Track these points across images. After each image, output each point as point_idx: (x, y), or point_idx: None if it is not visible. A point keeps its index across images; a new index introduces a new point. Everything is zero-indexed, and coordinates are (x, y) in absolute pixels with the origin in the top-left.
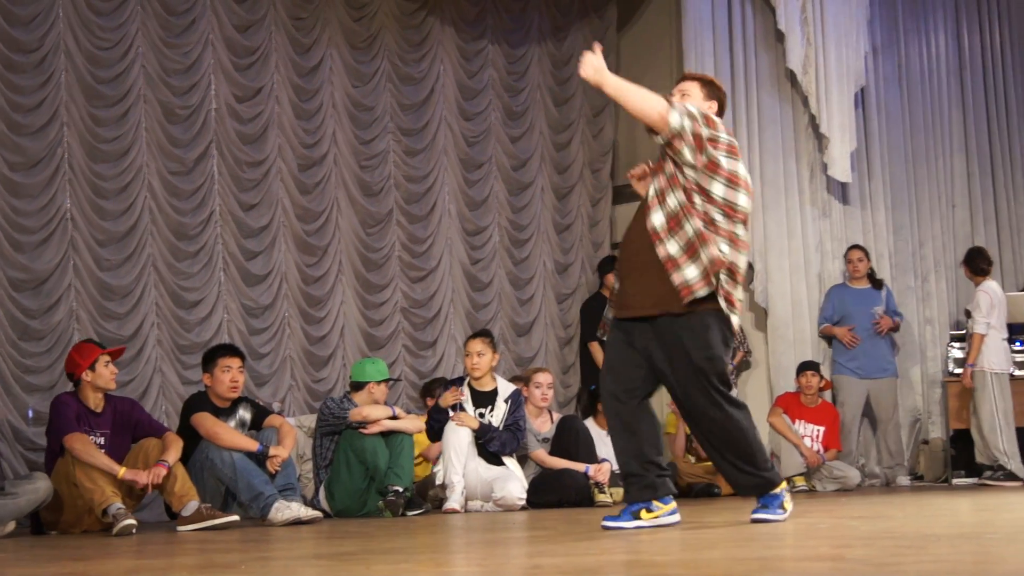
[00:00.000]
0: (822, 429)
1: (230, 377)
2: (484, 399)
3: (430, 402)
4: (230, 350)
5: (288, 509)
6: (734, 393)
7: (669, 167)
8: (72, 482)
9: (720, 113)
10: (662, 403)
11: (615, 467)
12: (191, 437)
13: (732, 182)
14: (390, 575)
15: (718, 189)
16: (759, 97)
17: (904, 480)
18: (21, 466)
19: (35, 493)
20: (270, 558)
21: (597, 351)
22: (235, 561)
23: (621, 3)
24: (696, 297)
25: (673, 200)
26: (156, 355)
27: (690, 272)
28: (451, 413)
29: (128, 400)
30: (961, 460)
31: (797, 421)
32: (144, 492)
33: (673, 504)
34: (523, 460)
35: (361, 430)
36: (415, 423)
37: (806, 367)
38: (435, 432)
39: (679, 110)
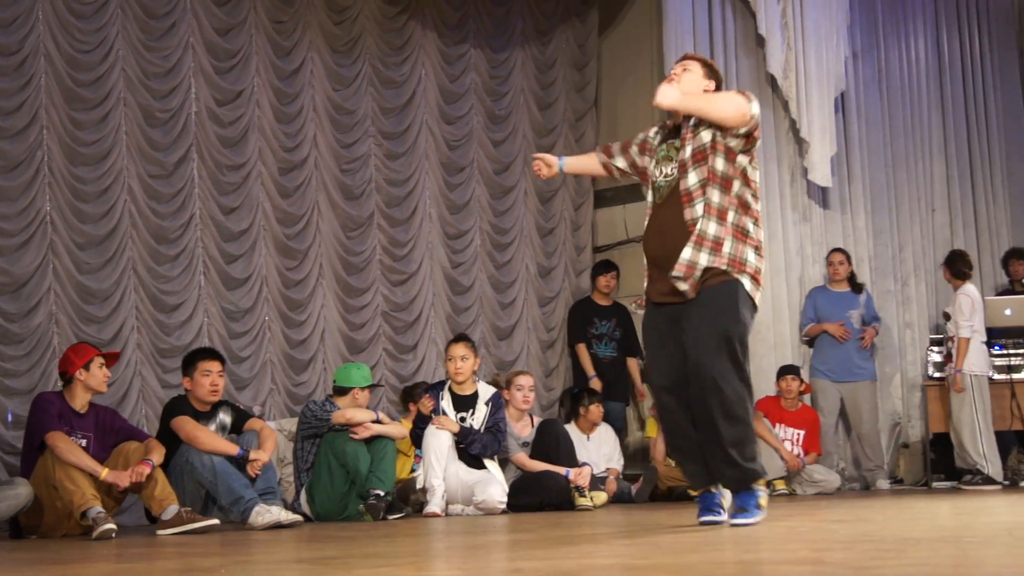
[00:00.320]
0: (802, 433)
1: (210, 381)
2: (465, 403)
3: (413, 407)
4: (210, 354)
5: (268, 513)
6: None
7: (713, 160)
8: (52, 484)
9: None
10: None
11: (595, 471)
12: (171, 441)
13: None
14: None
15: (751, 173)
16: None
17: (884, 484)
18: (0, 470)
19: (16, 499)
20: (250, 562)
21: (583, 353)
22: (215, 565)
23: (603, 7)
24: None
25: (715, 194)
26: (136, 359)
27: (699, 256)
28: (434, 416)
29: (110, 410)
30: (940, 464)
31: (777, 425)
32: (124, 495)
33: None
34: (504, 463)
35: (351, 434)
36: (399, 428)
37: (786, 371)
38: (421, 439)
39: (753, 99)
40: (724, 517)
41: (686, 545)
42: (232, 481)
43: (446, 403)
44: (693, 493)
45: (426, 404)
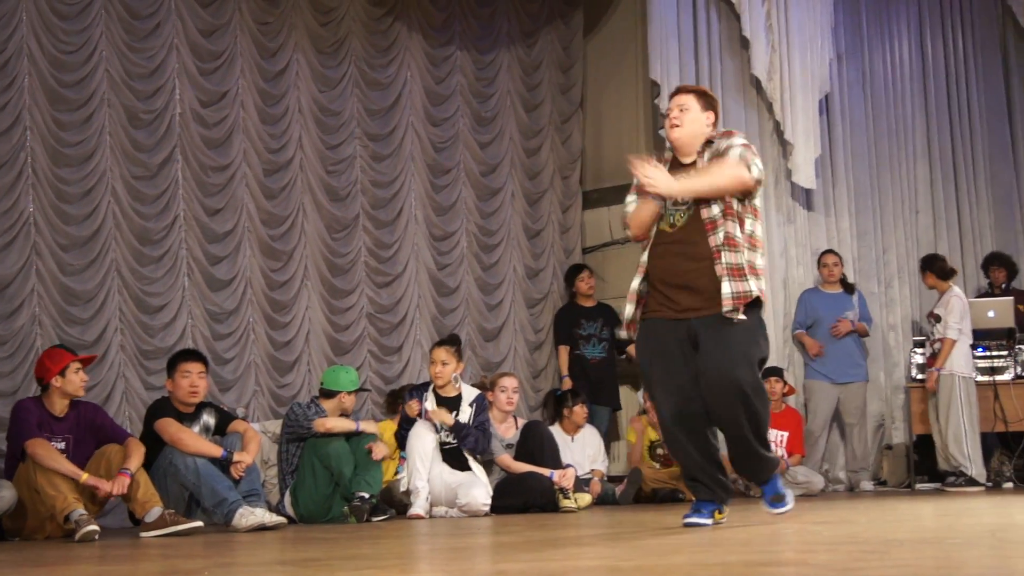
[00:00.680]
0: (786, 435)
1: (189, 383)
2: (449, 404)
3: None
4: (190, 355)
5: (252, 515)
6: None
7: (730, 197)
8: (34, 488)
9: (715, 122)
10: (625, 416)
11: (579, 472)
12: (154, 443)
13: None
14: None
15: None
16: (724, 103)
17: (867, 485)
18: None
19: (0, 502)
20: (234, 564)
21: (562, 354)
22: (199, 567)
23: (587, 9)
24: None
25: (734, 227)
26: (119, 360)
27: (745, 286)
28: (427, 410)
29: (92, 405)
30: (924, 465)
31: None
32: (107, 498)
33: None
34: (488, 465)
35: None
36: (377, 426)
37: (769, 373)
38: (403, 433)
39: (755, 164)
40: (711, 523)
41: (670, 547)
42: (216, 483)
43: (430, 404)
44: (691, 498)
45: (412, 407)
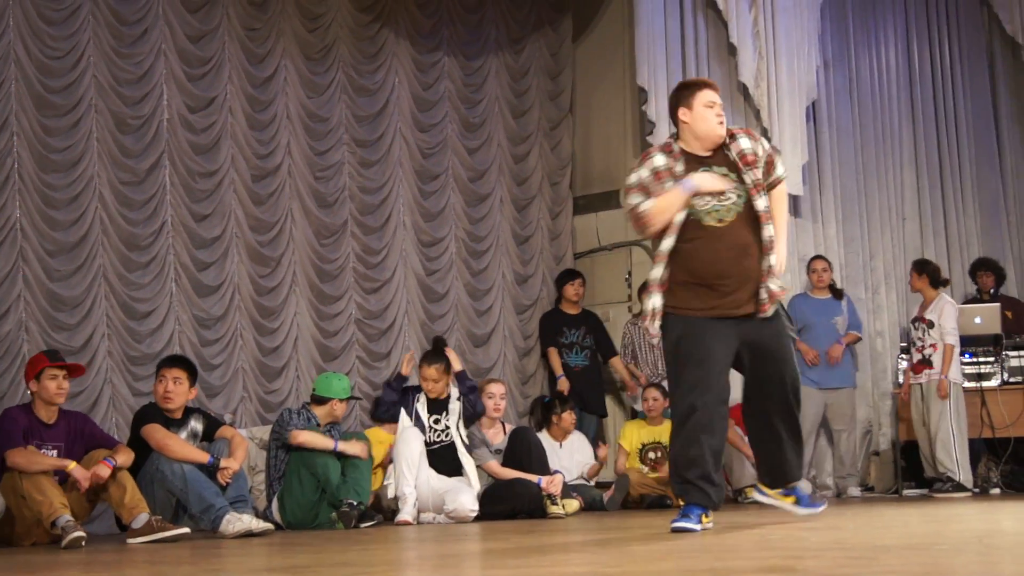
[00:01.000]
0: None
1: (163, 388)
2: (439, 406)
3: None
4: (168, 361)
5: (239, 521)
6: None
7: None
8: (20, 494)
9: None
10: (615, 424)
11: (567, 479)
12: (141, 449)
13: None
14: None
15: None
16: None
17: (855, 491)
18: None
19: None
20: (221, 571)
21: (554, 355)
22: (185, 574)
23: (576, 15)
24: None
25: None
26: (107, 366)
27: (777, 284)
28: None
29: (81, 415)
30: (911, 471)
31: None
32: (94, 503)
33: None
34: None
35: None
36: (361, 447)
37: None
38: (384, 411)
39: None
40: (699, 528)
41: (658, 553)
42: (203, 489)
43: (421, 405)
44: (680, 503)
45: (407, 363)
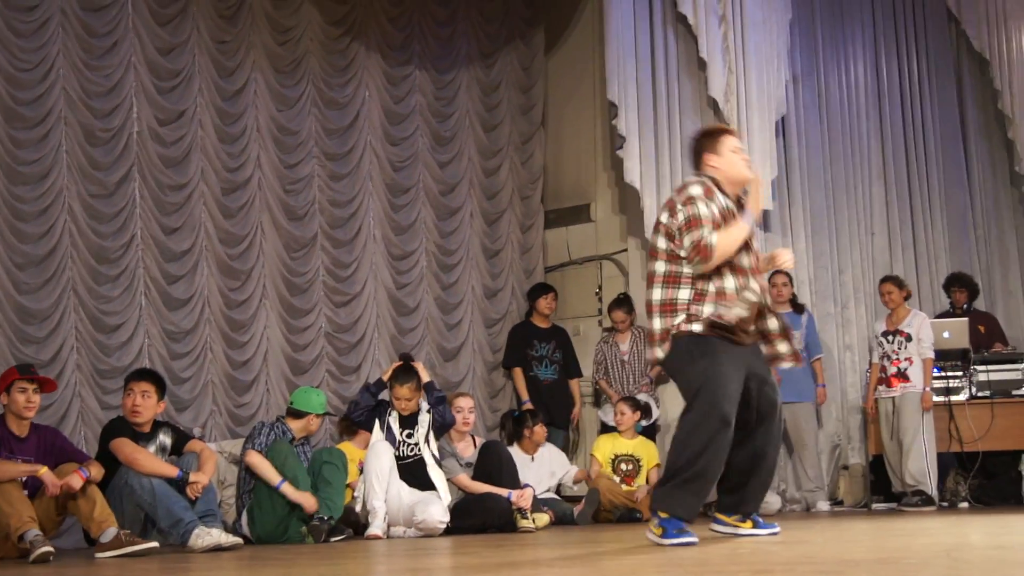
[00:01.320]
0: None
1: (131, 401)
2: (409, 421)
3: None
4: (137, 374)
5: (208, 535)
6: None
7: None
8: None
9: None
10: (585, 437)
11: (538, 492)
12: (110, 463)
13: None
14: None
15: None
16: (682, 124)
17: (824, 505)
18: None
19: None
20: None
21: (519, 377)
22: None
23: (548, 29)
24: None
25: None
26: (75, 380)
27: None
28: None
29: (52, 429)
30: (880, 485)
31: None
32: (63, 517)
33: None
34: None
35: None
36: (309, 500)
37: None
38: (359, 415)
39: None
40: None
41: (628, 567)
42: (171, 503)
43: (393, 419)
44: (663, 515)
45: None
